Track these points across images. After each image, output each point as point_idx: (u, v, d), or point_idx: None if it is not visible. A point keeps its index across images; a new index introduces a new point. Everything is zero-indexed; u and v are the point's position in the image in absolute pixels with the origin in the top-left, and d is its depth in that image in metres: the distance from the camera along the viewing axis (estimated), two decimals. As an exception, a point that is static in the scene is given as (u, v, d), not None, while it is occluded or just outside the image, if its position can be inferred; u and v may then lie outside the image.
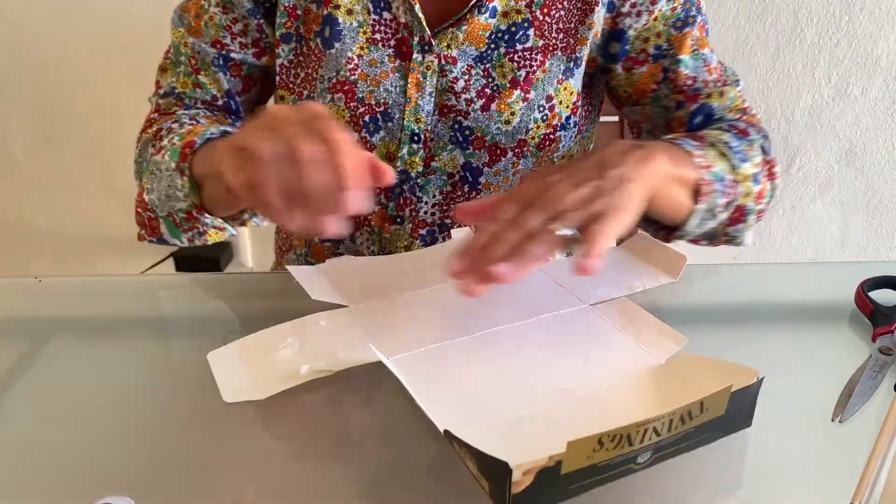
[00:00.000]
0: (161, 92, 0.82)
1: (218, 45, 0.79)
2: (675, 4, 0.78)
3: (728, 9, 1.48)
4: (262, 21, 0.79)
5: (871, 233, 1.68)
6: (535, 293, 0.66)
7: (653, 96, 0.82)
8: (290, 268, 0.72)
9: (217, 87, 0.81)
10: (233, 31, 0.79)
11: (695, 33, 0.79)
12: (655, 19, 0.78)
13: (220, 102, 0.82)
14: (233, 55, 0.80)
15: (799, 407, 0.55)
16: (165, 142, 0.71)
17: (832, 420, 0.53)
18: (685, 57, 0.79)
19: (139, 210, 0.74)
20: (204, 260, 1.63)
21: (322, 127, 0.51)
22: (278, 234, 0.98)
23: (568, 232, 0.55)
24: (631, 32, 0.79)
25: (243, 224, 0.74)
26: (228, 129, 0.71)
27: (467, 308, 0.64)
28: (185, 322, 0.69)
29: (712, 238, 0.75)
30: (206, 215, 0.70)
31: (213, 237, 0.74)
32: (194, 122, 0.76)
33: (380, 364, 0.56)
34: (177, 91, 0.81)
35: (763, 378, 0.50)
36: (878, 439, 0.39)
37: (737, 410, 0.51)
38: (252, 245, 1.71)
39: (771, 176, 0.76)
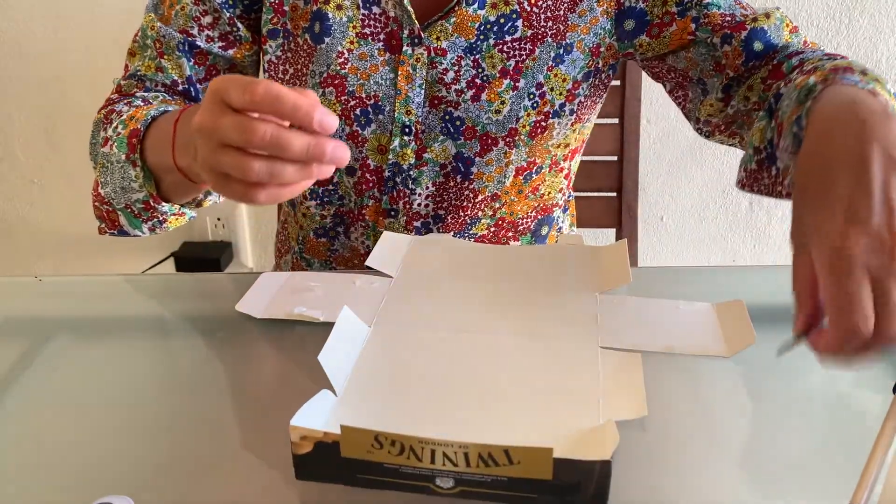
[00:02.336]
0: (127, 74, 0.82)
1: (184, 34, 0.79)
2: None
3: (728, 11, 1.48)
4: (233, 15, 0.80)
5: (871, 235, 1.68)
6: (562, 319, 0.63)
7: (692, 44, 0.76)
8: (387, 233, 0.78)
9: (178, 72, 0.80)
10: (201, 23, 0.79)
11: None
12: None
13: (180, 87, 0.81)
14: (198, 43, 0.80)
15: (797, 409, 0.55)
16: (111, 131, 0.70)
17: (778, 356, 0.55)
18: None
19: (96, 204, 0.74)
20: (204, 260, 1.63)
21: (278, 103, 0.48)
22: (278, 237, 0.99)
23: None
24: (641, 4, 0.76)
25: (199, 205, 0.75)
26: (169, 107, 0.70)
27: (486, 306, 0.65)
28: (184, 322, 0.69)
29: None
30: (164, 204, 0.70)
31: (173, 223, 0.74)
32: (146, 103, 0.75)
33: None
34: (139, 73, 0.81)
35: (609, 463, 0.43)
36: (876, 441, 0.39)
37: (575, 484, 0.44)
38: (252, 245, 1.71)
39: None
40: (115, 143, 0.69)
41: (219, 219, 1.65)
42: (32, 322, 0.69)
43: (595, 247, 0.75)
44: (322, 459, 0.46)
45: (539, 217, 0.91)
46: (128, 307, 0.72)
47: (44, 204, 1.67)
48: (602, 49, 0.80)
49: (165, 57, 0.80)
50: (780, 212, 1.65)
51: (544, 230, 0.93)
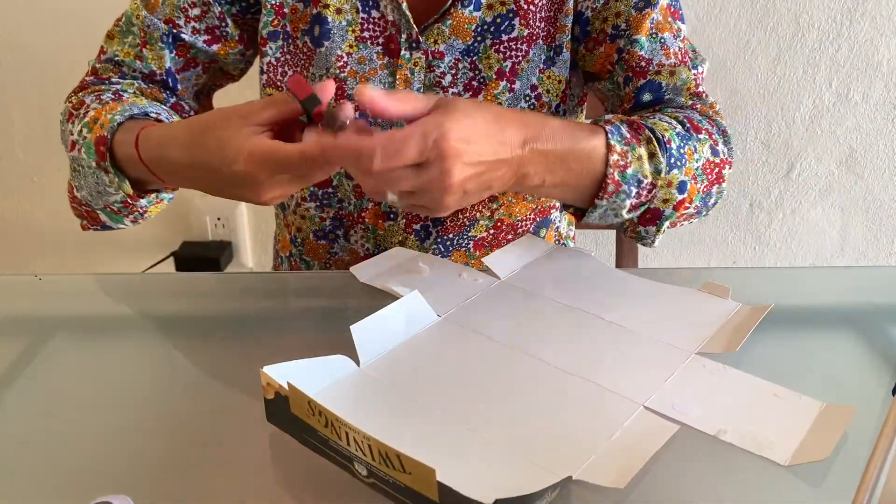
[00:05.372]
0: (102, 58, 0.82)
1: (170, 24, 0.79)
2: None
3: (729, 13, 1.48)
4: (225, 11, 0.80)
5: (871, 238, 1.68)
6: (629, 369, 0.58)
7: (608, 77, 0.80)
8: (529, 236, 0.80)
9: (158, 63, 0.80)
10: (188, 15, 0.79)
11: (655, 16, 0.77)
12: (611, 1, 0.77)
13: (157, 78, 0.81)
14: (183, 36, 0.80)
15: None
16: (76, 133, 0.70)
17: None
18: (641, 38, 0.77)
19: (74, 205, 0.75)
20: (204, 260, 1.63)
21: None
22: (276, 240, 0.99)
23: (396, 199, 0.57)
24: (588, 13, 0.78)
25: (176, 188, 0.74)
26: (133, 110, 0.70)
27: (567, 333, 0.62)
28: (185, 322, 0.69)
29: (619, 229, 0.75)
30: (141, 199, 0.71)
31: (154, 212, 0.76)
32: (116, 96, 0.76)
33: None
34: (117, 58, 0.80)
35: None
36: (877, 443, 0.39)
37: None
38: (252, 245, 1.71)
39: (717, 180, 0.73)
40: (83, 149, 0.68)
41: (219, 218, 1.65)
42: (32, 321, 0.69)
43: (739, 305, 0.67)
44: (280, 409, 0.49)
45: (538, 219, 0.91)
46: (128, 307, 0.71)
47: (44, 203, 1.67)
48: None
49: (148, 47, 0.80)
50: (780, 214, 1.65)
51: (542, 232, 0.93)
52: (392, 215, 0.84)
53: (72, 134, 0.71)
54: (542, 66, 0.80)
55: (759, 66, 1.52)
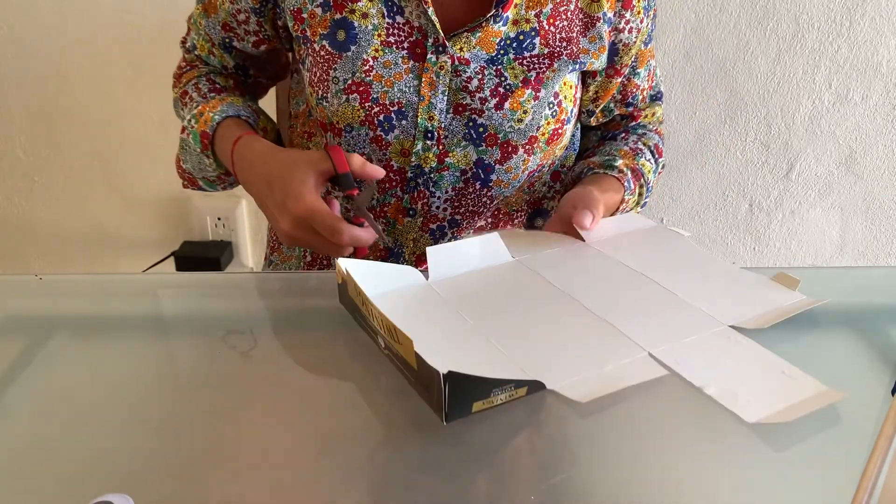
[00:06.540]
0: (187, 45, 0.94)
1: (227, 28, 0.88)
2: (647, 21, 0.87)
3: (729, 14, 1.48)
4: (262, 19, 0.85)
5: (871, 238, 1.68)
6: (647, 322, 0.62)
7: (608, 100, 0.93)
8: (633, 213, 0.89)
9: (225, 62, 0.92)
10: (238, 19, 0.87)
11: (651, 46, 0.90)
12: (637, 37, 0.87)
13: (230, 71, 0.94)
14: (234, 43, 0.89)
15: (798, 411, 0.55)
16: (186, 121, 0.86)
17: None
18: (641, 70, 0.91)
19: (179, 172, 0.92)
20: (204, 260, 1.63)
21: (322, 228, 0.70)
22: (271, 231, 1.00)
23: None
24: (619, 46, 0.86)
25: None
26: (230, 111, 0.84)
27: (622, 290, 0.68)
28: (185, 322, 0.69)
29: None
30: (232, 176, 0.87)
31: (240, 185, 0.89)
32: (212, 85, 0.91)
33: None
34: (196, 52, 0.93)
35: (443, 377, 0.49)
36: (876, 443, 0.39)
37: (428, 383, 0.52)
38: (252, 245, 1.71)
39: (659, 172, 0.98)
40: (191, 135, 0.85)
41: (219, 218, 1.65)
42: (32, 320, 0.69)
43: (802, 297, 0.68)
44: (343, 292, 0.65)
45: (530, 210, 0.94)
46: (128, 307, 0.72)
47: (44, 203, 1.67)
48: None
49: (215, 48, 0.91)
50: (780, 214, 1.65)
51: (538, 221, 0.96)
52: (411, 212, 0.86)
53: (183, 119, 0.88)
54: (567, 76, 0.84)
55: (759, 67, 1.52)
